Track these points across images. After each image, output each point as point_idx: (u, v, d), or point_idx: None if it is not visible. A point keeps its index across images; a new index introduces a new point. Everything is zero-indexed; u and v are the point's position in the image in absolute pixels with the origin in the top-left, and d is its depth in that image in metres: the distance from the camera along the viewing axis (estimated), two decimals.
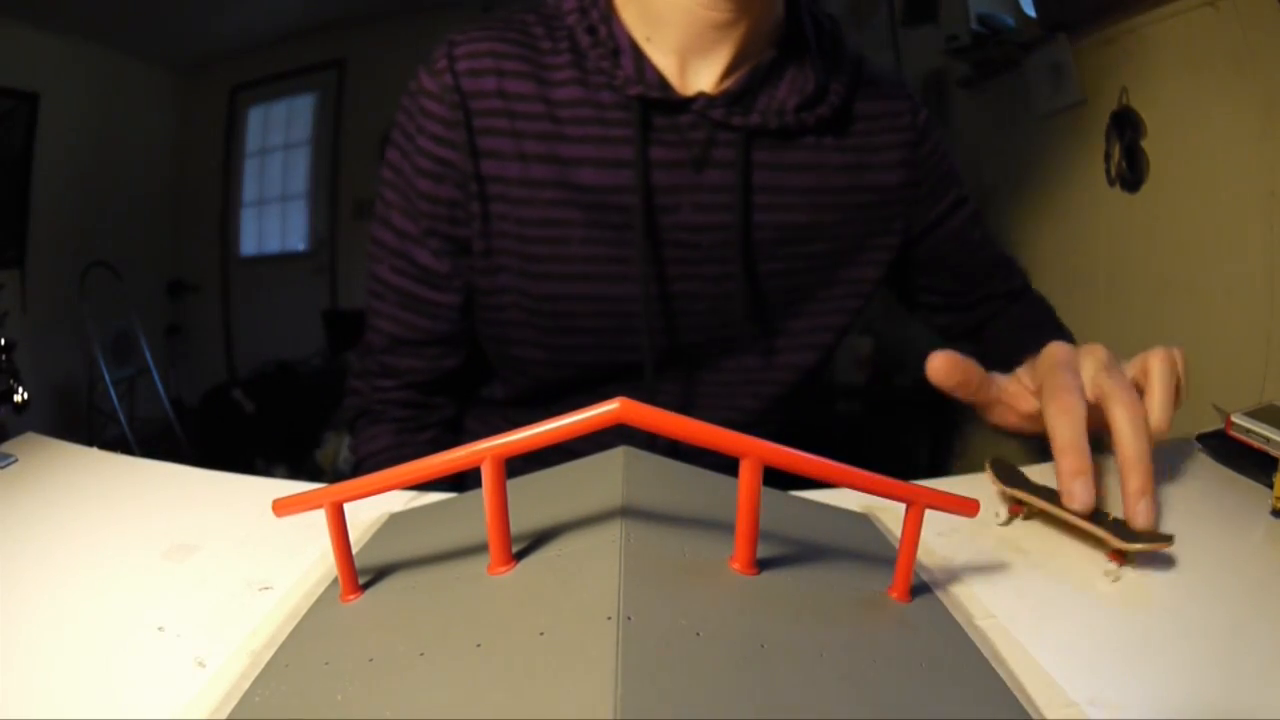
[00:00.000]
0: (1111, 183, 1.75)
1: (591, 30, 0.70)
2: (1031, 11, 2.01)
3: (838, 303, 0.82)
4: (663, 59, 0.70)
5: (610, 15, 0.71)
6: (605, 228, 0.71)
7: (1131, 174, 1.69)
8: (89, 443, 0.73)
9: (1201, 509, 0.55)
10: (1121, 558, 0.48)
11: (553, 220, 0.71)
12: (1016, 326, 0.93)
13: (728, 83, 0.71)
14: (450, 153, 0.71)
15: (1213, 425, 0.65)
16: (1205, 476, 0.61)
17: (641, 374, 0.76)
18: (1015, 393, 0.63)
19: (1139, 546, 0.46)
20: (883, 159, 0.79)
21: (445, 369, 0.81)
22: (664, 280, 0.74)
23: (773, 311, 0.79)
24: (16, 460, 0.68)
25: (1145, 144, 1.66)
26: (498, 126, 0.70)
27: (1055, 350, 0.60)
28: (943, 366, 0.59)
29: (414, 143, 0.72)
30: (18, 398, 0.77)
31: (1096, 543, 0.50)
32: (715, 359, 0.81)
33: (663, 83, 0.69)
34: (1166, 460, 0.64)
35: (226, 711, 0.33)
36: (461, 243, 0.74)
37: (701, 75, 0.71)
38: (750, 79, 0.71)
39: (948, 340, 0.97)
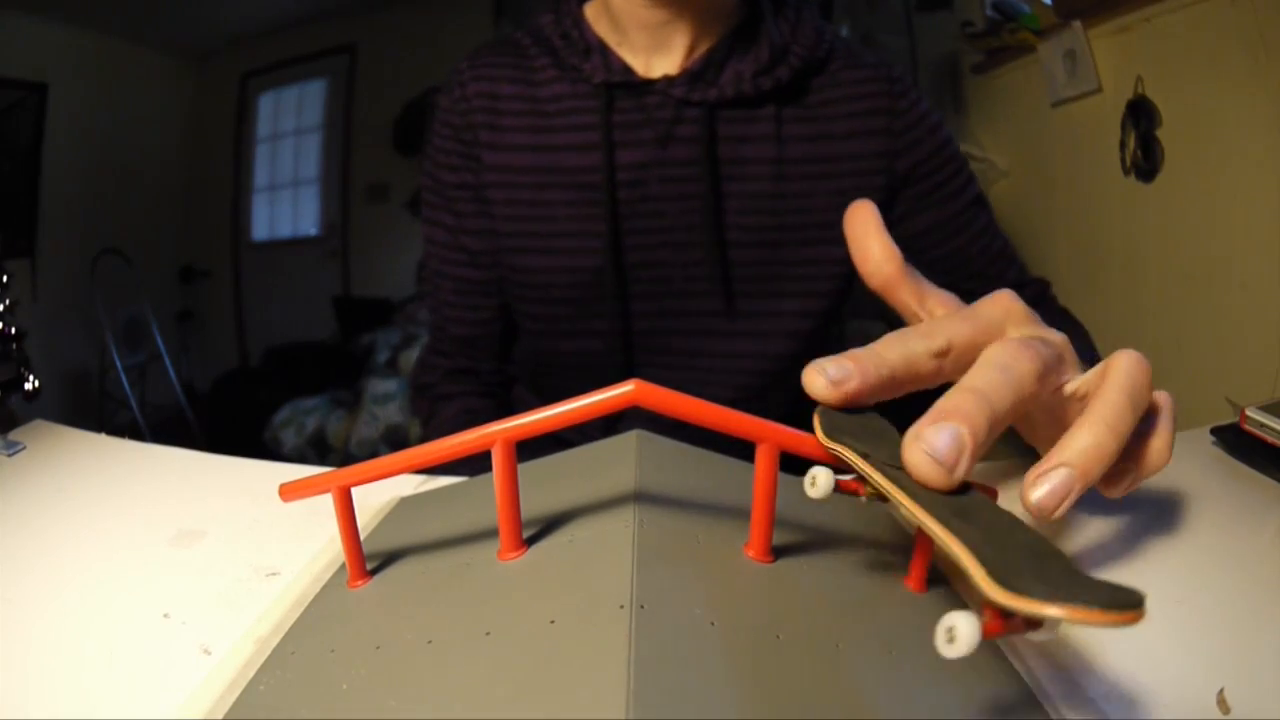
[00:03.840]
0: (1126, 172, 1.74)
1: (565, 36, 0.80)
2: None
3: (811, 284, 0.81)
4: (631, 58, 0.79)
5: (581, 22, 0.80)
6: (583, 205, 0.79)
7: (1146, 163, 1.68)
8: (101, 429, 0.73)
9: (1214, 504, 0.55)
10: (1001, 617, 0.27)
11: (536, 201, 0.81)
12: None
13: (689, 63, 0.77)
14: (460, 146, 0.84)
15: (1227, 418, 0.64)
16: (1218, 470, 0.60)
17: (622, 350, 0.82)
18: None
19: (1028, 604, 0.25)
20: (848, 128, 0.79)
21: (498, 351, 0.92)
22: (633, 250, 0.80)
23: (743, 288, 0.81)
24: (25, 447, 0.68)
25: (1160, 133, 1.65)
26: (487, 122, 0.82)
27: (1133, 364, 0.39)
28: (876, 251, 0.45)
29: (438, 147, 0.85)
30: (28, 386, 0.77)
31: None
32: (689, 339, 0.83)
33: (627, 69, 0.77)
34: (1179, 452, 0.63)
35: (231, 699, 0.32)
36: (488, 215, 0.84)
37: (665, 65, 0.78)
38: (710, 57, 0.77)
39: None
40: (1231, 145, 1.48)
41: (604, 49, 0.78)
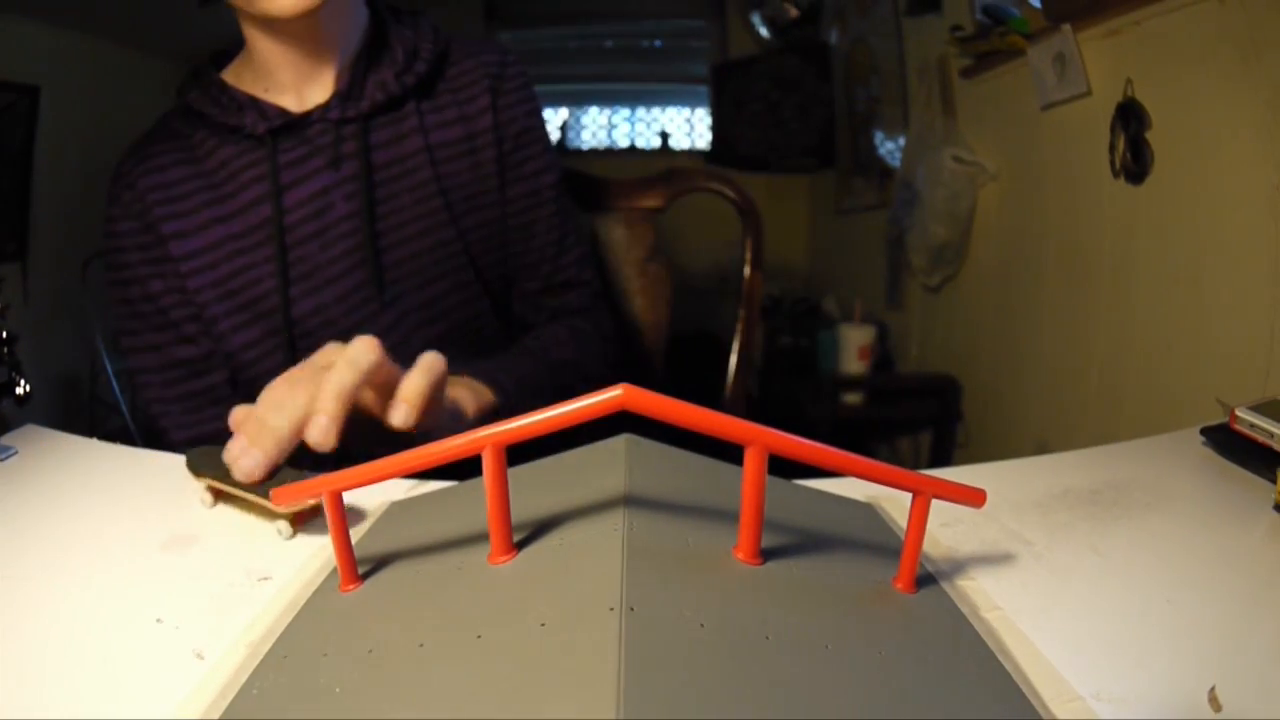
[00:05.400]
0: (1116, 175, 1.74)
1: (215, 102, 0.81)
2: (1036, 2, 1.99)
3: (478, 249, 0.90)
4: (283, 98, 0.82)
5: (226, 85, 0.83)
6: (280, 254, 0.81)
7: (1136, 166, 1.68)
8: (92, 434, 0.73)
9: (1204, 503, 0.55)
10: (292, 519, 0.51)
11: (236, 270, 0.82)
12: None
13: (339, 86, 0.83)
14: (144, 253, 0.82)
15: (1217, 418, 0.64)
16: (1208, 470, 0.60)
17: None
18: None
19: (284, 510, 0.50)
20: (477, 107, 0.88)
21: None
22: (340, 277, 0.83)
23: (425, 279, 0.86)
24: (16, 452, 0.68)
25: (1150, 136, 1.65)
26: (167, 213, 0.81)
27: None
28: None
29: (122, 264, 0.83)
30: (20, 390, 0.77)
31: (268, 513, 0.52)
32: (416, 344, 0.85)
33: (282, 111, 0.81)
34: (1169, 452, 0.64)
35: (224, 704, 0.32)
36: (199, 317, 0.83)
37: (318, 94, 0.83)
38: (353, 75, 0.83)
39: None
40: (1221, 147, 1.48)
41: (255, 101, 0.81)
